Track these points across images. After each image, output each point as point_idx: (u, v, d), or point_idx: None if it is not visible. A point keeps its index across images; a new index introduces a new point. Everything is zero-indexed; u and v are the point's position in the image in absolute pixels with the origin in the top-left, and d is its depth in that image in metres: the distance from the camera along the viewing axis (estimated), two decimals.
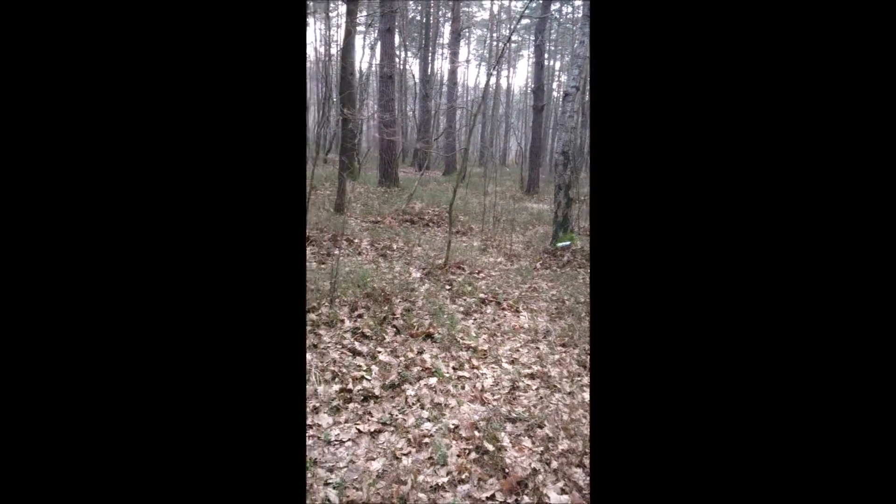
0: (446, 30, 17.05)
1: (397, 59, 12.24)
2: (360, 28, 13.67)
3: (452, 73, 13.65)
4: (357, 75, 6.85)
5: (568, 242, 5.37)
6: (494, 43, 17.51)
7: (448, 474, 1.71)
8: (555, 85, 21.50)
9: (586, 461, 1.82)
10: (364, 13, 12.00)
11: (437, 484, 1.65)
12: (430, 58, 15.56)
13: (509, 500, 1.61)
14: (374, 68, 12.79)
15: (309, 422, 1.98)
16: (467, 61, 24.71)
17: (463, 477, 1.70)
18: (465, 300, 3.63)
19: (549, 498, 1.62)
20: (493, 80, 7.84)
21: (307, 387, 2.22)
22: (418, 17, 16.12)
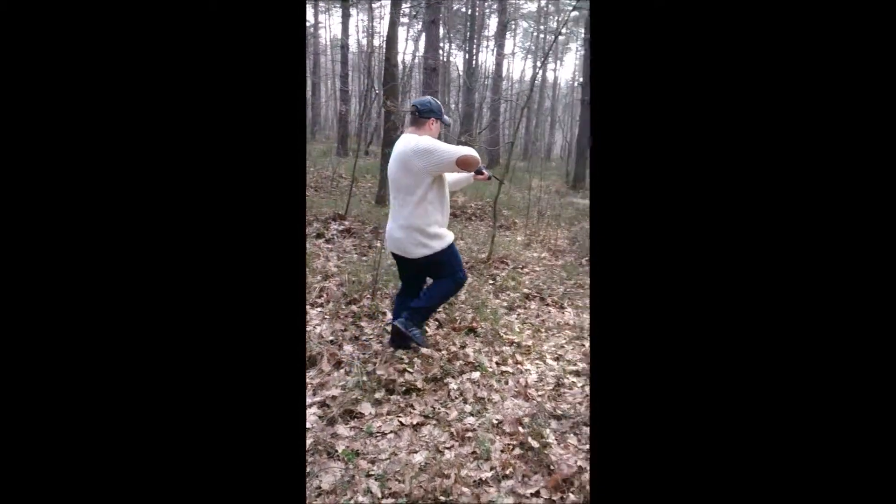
0: (492, 21, 16.85)
1: (441, 51, 12.20)
2: (404, 20, 13.72)
3: (498, 65, 13.48)
4: (400, 67, 6.87)
5: None
6: (541, 35, 17.16)
7: (492, 469, 1.67)
8: None
9: None
10: (408, 4, 12.02)
11: (480, 479, 1.62)
12: (474, 50, 15.42)
13: (555, 498, 1.56)
14: (417, 60, 12.80)
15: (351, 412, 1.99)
16: (512, 53, 24.36)
17: (507, 472, 1.66)
18: (508, 295, 3.57)
19: None
20: (539, 73, 7.67)
21: (349, 378, 2.23)
22: (463, 9, 16.00)
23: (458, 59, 17.27)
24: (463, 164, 2.09)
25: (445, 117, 2.29)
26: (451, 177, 2.44)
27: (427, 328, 2.82)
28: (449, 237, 2.32)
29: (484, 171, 2.48)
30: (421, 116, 2.23)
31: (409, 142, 2.16)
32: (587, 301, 3.57)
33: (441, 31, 10.55)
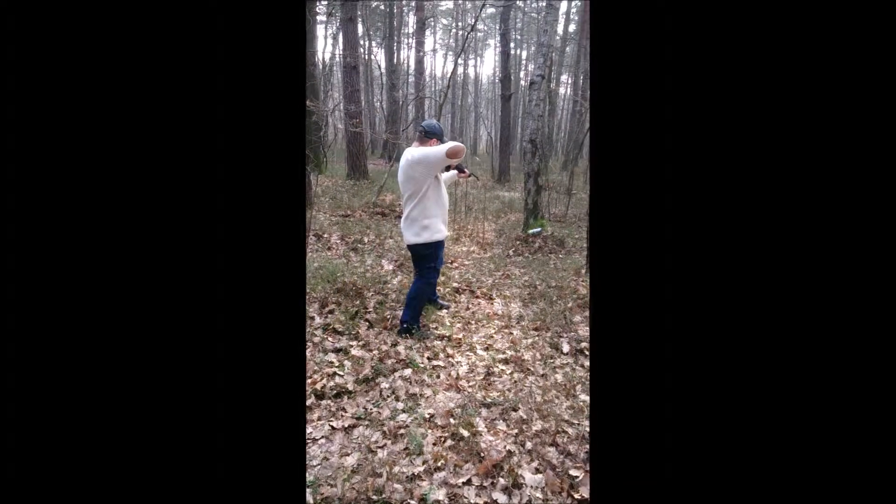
0: (411, 19, 16.83)
1: (361, 49, 12.03)
2: (321, 17, 13.36)
3: (419, 62, 13.49)
4: (319, 66, 6.70)
5: (539, 229, 5.41)
6: (460, 32, 17.39)
7: (424, 463, 1.70)
8: (522, 74, 21.54)
9: (559, 440, 1.85)
10: (324, 1, 11.72)
11: (413, 473, 1.64)
12: (395, 47, 15.33)
13: (485, 484, 1.61)
14: (337, 59, 12.52)
15: None
16: (433, 50, 24.52)
17: (439, 464, 1.69)
18: (438, 290, 3.62)
19: (524, 478, 1.64)
20: (460, 69, 7.79)
21: None
22: (382, 7, 15.85)
23: (379, 56, 17.07)
24: (452, 154, 2.53)
25: (445, 138, 2.86)
26: (443, 176, 2.96)
27: (357, 329, 2.80)
28: (438, 233, 2.73)
29: (465, 169, 3.16)
30: (426, 136, 2.78)
31: (409, 155, 2.70)
32: (514, 291, 3.71)
33: (360, 28, 10.40)
